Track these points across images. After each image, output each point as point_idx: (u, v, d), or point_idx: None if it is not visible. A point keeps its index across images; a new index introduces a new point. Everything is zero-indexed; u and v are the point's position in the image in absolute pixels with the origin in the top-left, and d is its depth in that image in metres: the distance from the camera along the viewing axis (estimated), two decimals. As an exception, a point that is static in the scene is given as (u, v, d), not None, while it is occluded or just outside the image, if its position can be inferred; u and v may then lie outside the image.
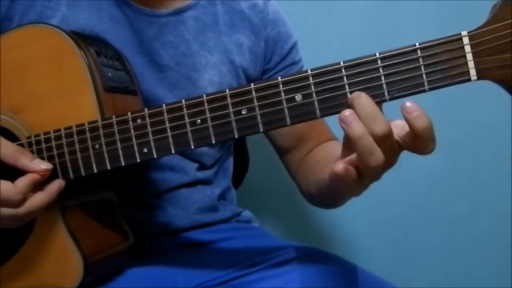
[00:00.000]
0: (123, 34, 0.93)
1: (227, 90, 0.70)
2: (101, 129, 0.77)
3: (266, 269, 0.92)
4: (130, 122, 0.75)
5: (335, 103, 0.66)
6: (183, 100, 0.72)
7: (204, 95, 0.71)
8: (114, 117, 0.76)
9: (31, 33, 0.83)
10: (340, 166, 0.64)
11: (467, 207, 1.51)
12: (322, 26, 1.44)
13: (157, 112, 0.74)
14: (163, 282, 0.92)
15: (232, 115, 0.70)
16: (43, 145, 0.81)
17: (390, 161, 0.65)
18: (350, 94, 0.65)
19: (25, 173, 0.76)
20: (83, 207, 0.85)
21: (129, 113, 0.76)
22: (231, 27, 1.00)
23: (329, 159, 0.78)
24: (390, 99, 0.64)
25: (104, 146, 0.77)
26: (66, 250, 0.81)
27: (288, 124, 0.68)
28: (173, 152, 0.74)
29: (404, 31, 1.38)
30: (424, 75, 0.62)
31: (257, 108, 0.69)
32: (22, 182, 0.75)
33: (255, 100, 0.69)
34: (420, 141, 0.63)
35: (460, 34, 0.61)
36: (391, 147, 0.64)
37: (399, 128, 0.64)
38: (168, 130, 0.73)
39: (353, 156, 0.64)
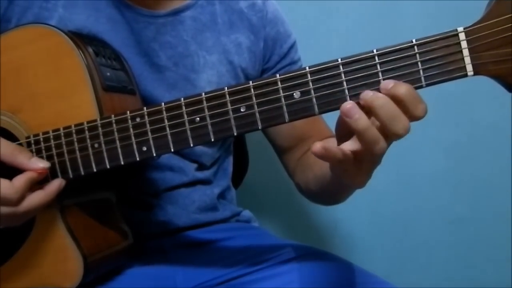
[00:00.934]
0: (121, 35, 0.93)
1: (226, 88, 0.70)
2: (100, 128, 0.77)
3: (265, 268, 0.92)
4: (129, 121, 0.76)
5: (334, 100, 0.66)
6: (182, 99, 0.73)
7: (203, 93, 0.71)
8: (113, 116, 0.77)
9: (29, 33, 0.83)
10: (317, 146, 0.63)
11: (467, 207, 1.51)
12: (321, 25, 1.44)
13: (156, 110, 0.74)
14: (162, 281, 0.92)
15: (230, 112, 0.70)
16: (42, 144, 0.81)
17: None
18: (348, 90, 0.65)
19: (23, 172, 0.77)
20: (83, 206, 0.85)
21: (128, 112, 0.76)
22: (230, 27, 1.00)
23: None
24: (388, 95, 0.64)
25: (103, 145, 0.77)
26: (66, 249, 0.81)
27: (286, 121, 0.68)
28: (172, 150, 0.74)
29: (403, 30, 1.38)
30: (421, 71, 0.63)
31: (255, 106, 0.69)
32: (20, 180, 0.75)
33: (254, 98, 0.69)
34: (408, 106, 0.62)
35: (457, 30, 0.62)
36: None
37: None
38: (167, 129, 0.73)
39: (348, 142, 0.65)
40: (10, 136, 0.84)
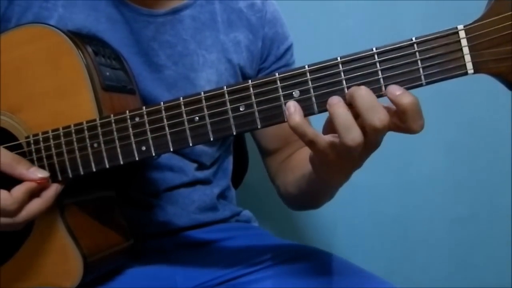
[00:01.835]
0: (120, 34, 0.93)
1: (225, 87, 0.70)
2: (99, 128, 0.77)
3: (265, 269, 0.92)
4: (128, 121, 0.76)
5: (333, 99, 0.66)
6: (181, 98, 0.72)
7: (202, 92, 0.71)
8: (112, 115, 0.77)
9: (29, 33, 0.83)
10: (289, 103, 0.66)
11: (467, 207, 1.51)
12: (321, 25, 1.44)
13: (155, 110, 0.74)
14: (162, 282, 0.92)
15: (230, 111, 0.70)
16: (42, 144, 0.81)
17: (376, 145, 0.66)
18: (347, 89, 0.65)
19: (22, 181, 0.77)
20: (83, 206, 0.85)
21: (127, 111, 0.76)
22: (229, 26, 1.00)
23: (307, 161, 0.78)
24: (387, 94, 0.64)
25: (102, 145, 0.77)
26: (66, 249, 0.81)
27: (286, 120, 0.68)
28: (171, 149, 0.74)
29: (403, 30, 1.38)
30: (421, 69, 0.63)
31: (255, 105, 0.69)
32: (18, 191, 0.75)
33: (253, 97, 0.69)
34: (408, 118, 0.62)
35: (457, 28, 0.62)
36: (382, 136, 0.65)
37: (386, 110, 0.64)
38: (166, 128, 0.73)
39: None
40: (9, 136, 0.84)
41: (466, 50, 0.61)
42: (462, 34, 0.61)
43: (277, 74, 0.68)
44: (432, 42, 0.62)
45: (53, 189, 0.79)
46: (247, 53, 1.01)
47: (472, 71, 0.61)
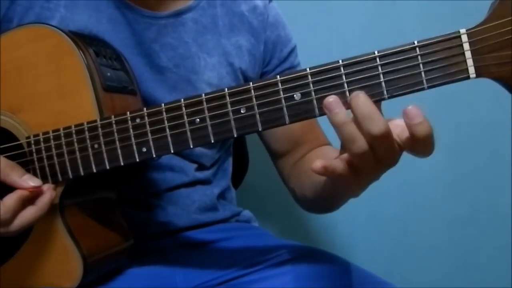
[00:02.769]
0: (122, 36, 0.93)
1: (226, 89, 0.70)
2: (100, 129, 0.77)
3: (265, 269, 0.92)
4: (129, 122, 0.75)
5: (334, 102, 0.65)
6: (182, 100, 0.72)
7: (203, 94, 0.71)
8: (113, 116, 0.76)
9: (30, 33, 0.83)
10: (318, 164, 0.65)
11: (467, 207, 1.51)
12: (321, 25, 1.44)
13: (156, 111, 0.74)
14: (162, 282, 0.92)
15: (231, 114, 0.70)
16: (42, 145, 0.81)
17: (389, 161, 0.65)
18: (349, 92, 0.65)
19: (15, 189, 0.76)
20: (83, 207, 0.84)
21: (128, 112, 0.75)
22: (231, 30, 1.00)
23: None
24: (389, 97, 0.64)
25: (103, 146, 0.77)
26: (66, 249, 0.81)
27: (287, 122, 0.68)
28: (172, 151, 0.74)
29: (403, 30, 1.38)
30: (422, 73, 0.62)
31: (256, 107, 0.68)
32: (10, 199, 0.75)
33: (254, 99, 0.68)
34: (419, 146, 0.63)
35: (459, 32, 0.61)
36: (390, 147, 0.64)
37: (400, 128, 0.64)
38: (167, 130, 0.73)
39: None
40: (10, 136, 0.84)
41: (468, 54, 0.61)
42: (464, 38, 0.61)
43: (278, 76, 0.67)
44: (434, 46, 0.62)
45: (48, 196, 0.78)
46: (249, 57, 1.01)
47: (474, 75, 0.61)
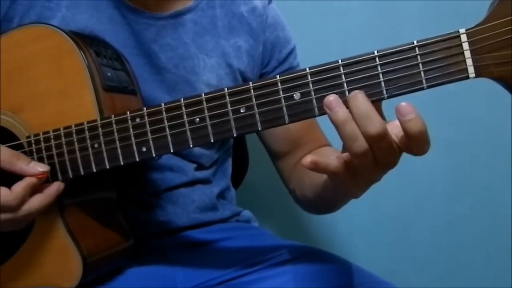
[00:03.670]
0: (122, 36, 0.93)
1: (226, 88, 0.70)
2: (100, 129, 0.77)
3: (265, 269, 0.92)
4: (129, 121, 0.76)
5: (334, 101, 0.66)
6: (182, 99, 0.72)
7: (203, 94, 0.71)
8: (113, 116, 0.77)
9: (31, 33, 0.83)
10: (307, 159, 0.65)
11: (467, 207, 1.51)
12: (321, 25, 1.44)
13: (155, 111, 0.74)
14: (162, 282, 0.92)
15: (230, 113, 0.70)
16: (42, 144, 0.81)
17: (389, 161, 0.65)
18: (349, 92, 0.65)
19: (23, 177, 0.77)
20: (83, 206, 0.85)
21: (128, 112, 0.76)
22: (230, 31, 1.00)
23: None
24: (388, 97, 0.64)
25: (103, 146, 0.77)
26: (65, 249, 0.81)
27: (286, 122, 0.68)
28: (172, 151, 0.74)
29: (403, 30, 1.38)
30: (422, 73, 0.62)
31: (255, 107, 0.69)
32: (19, 186, 0.75)
33: (254, 99, 0.69)
34: (413, 143, 0.63)
35: (458, 31, 0.61)
36: (388, 147, 0.63)
37: (398, 128, 0.63)
38: (167, 129, 0.73)
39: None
40: (10, 136, 0.84)
41: (467, 54, 0.61)
42: (463, 38, 0.61)
43: (278, 76, 0.68)
44: (434, 45, 0.62)
45: (56, 186, 0.79)
46: (248, 58, 1.01)
47: (473, 75, 0.61)
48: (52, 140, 0.80)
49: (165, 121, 0.73)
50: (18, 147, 0.83)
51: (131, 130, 0.76)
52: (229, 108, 0.70)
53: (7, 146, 0.82)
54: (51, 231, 0.82)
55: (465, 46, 0.61)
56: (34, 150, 0.81)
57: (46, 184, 0.79)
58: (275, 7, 1.06)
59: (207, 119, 0.71)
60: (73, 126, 0.79)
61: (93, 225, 0.85)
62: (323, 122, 0.70)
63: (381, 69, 0.64)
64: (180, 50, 0.96)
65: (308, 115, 0.67)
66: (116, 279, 0.90)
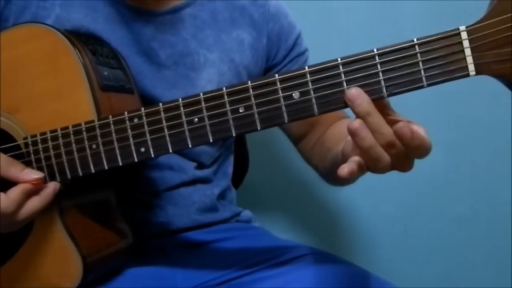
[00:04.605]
0: (119, 34, 0.92)
1: (224, 88, 0.70)
2: (97, 129, 0.77)
3: (266, 269, 0.92)
4: (127, 122, 0.75)
5: (333, 100, 0.66)
6: (180, 99, 0.72)
7: (201, 94, 0.71)
8: (110, 116, 0.76)
9: (26, 33, 0.83)
10: (345, 170, 0.65)
11: (467, 207, 1.50)
12: (321, 25, 1.44)
13: (154, 111, 0.74)
14: (163, 282, 0.92)
15: (229, 113, 0.69)
16: (40, 145, 0.80)
17: (404, 166, 0.67)
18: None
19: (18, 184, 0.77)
20: (81, 207, 0.84)
21: (125, 112, 0.75)
22: (231, 24, 0.99)
23: (342, 135, 0.79)
24: (388, 96, 0.64)
25: (101, 146, 0.77)
26: (65, 250, 0.81)
27: (286, 121, 0.68)
28: (170, 151, 0.73)
29: (403, 30, 1.38)
30: (422, 71, 0.62)
31: (254, 106, 0.68)
32: (14, 192, 0.75)
33: (252, 98, 0.68)
34: (416, 152, 0.64)
35: (458, 29, 0.61)
36: (401, 154, 0.65)
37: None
38: (165, 129, 0.73)
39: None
40: (7, 137, 0.83)
41: (468, 51, 0.61)
42: (464, 35, 0.61)
43: (277, 75, 0.67)
44: (434, 43, 0.62)
45: (52, 187, 0.78)
46: (251, 51, 1.00)
47: (474, 72, 0.61)
48: (50, 141, 0.80)
49: (164, 121, 0.73)
50: (15, 149, 0.82)
51: (129, 130, 0.75)
52: (228, 107, 0.69)
53: (4, 148, 0.82)
54: (50, 232, 0.81)
55: (466, 43, 0.61)
56: (31, 151, 0.81)
57: (42, 185, 0.78)
58: None
59: (206, 119, 0.71)
60: (70, 127, 0.78)
61: (92, 225, 0.85)
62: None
63: (381, 68, 0.63)
64: (179, 47, 0.95)
65: (307, 114, 0.67)
66: (116, 279, 0.89)
